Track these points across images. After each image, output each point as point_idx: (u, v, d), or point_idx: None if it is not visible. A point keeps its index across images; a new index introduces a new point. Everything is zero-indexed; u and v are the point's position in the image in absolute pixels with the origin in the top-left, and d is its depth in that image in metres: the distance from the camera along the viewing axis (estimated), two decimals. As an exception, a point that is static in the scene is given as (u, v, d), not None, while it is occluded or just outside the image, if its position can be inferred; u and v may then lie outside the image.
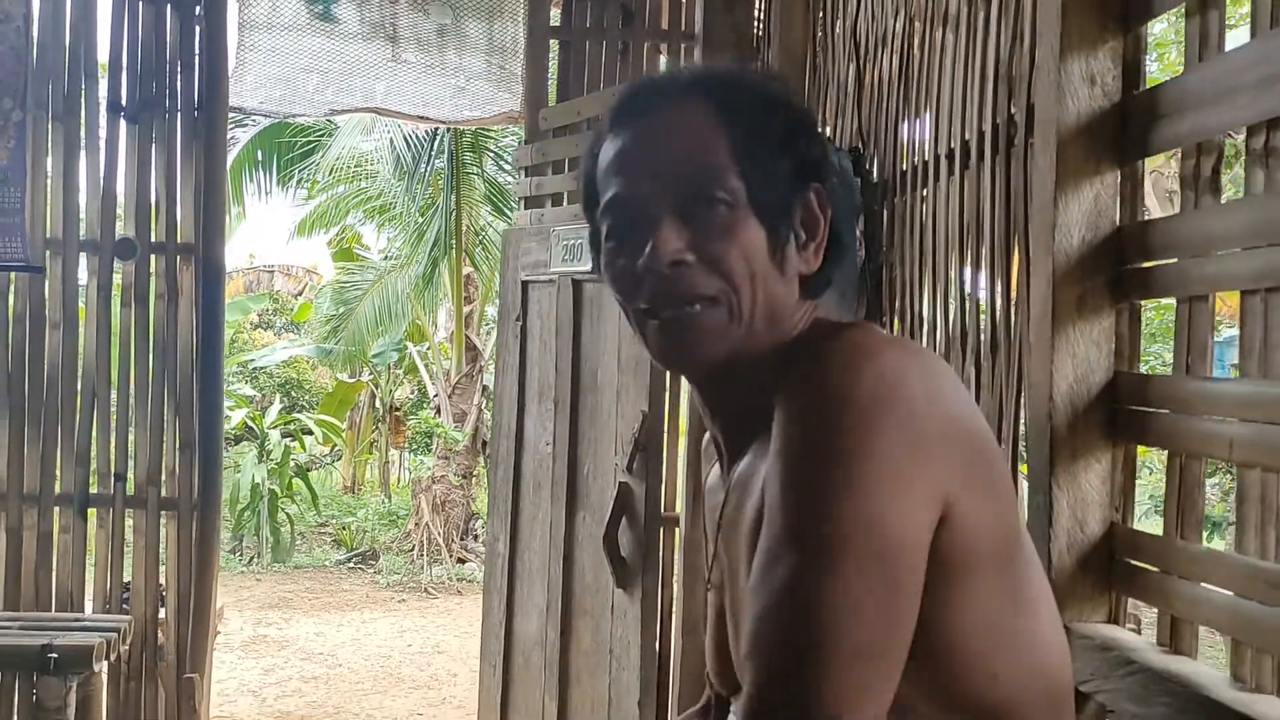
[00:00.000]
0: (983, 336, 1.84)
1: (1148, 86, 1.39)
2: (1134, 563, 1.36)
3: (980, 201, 1.87)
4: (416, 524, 9.61)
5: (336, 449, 12.74)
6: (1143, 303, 1.42)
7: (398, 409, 12.54)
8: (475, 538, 9.85)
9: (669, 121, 0.92)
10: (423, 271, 10.02)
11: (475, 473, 10.25)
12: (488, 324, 11.55)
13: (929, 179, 2.10)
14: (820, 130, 0.98)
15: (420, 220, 9.96)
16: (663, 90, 0.94)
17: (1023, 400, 1.69)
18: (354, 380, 12.13)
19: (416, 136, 9.18)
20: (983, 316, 1.86)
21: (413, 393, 12.72)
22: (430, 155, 9.35)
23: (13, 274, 3.49)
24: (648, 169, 0.91)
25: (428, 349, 11.22)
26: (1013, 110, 1.76)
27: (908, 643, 0.76)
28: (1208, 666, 1.21)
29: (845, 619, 0.72)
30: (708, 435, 1.14)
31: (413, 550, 9.32)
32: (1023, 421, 1.70)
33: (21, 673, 3.28)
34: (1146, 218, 1.41)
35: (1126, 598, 1.39)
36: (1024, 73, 1.73)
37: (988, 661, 0.83)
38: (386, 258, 11.71)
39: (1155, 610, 1.33)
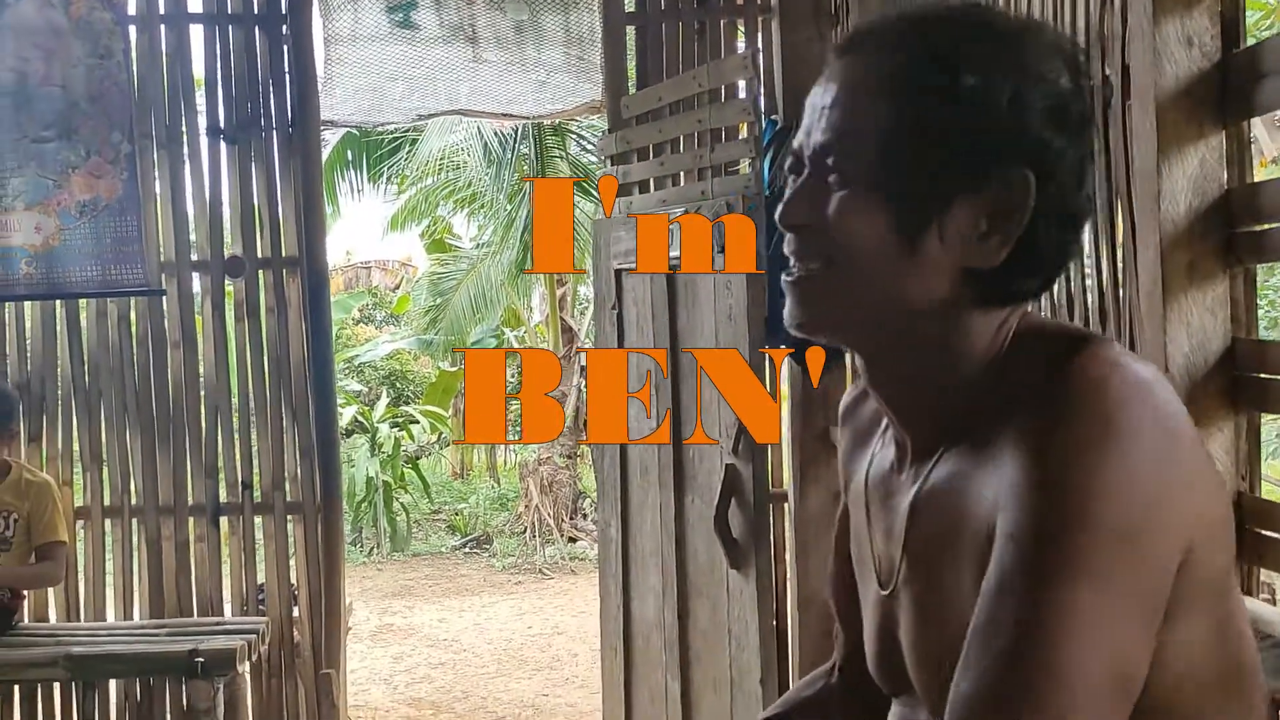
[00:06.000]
0: (1090, 304, 1.81)
1: (1249, 44, 1.35)
2: (1265, 533, 1.33)
3: (1079, 166, 1.83)
4: (526, 506, 9.79)
5: (443, 436, 13.04)
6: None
7: (499, 394, 12.75)
8: (584, 516, 9.99)
9: (842, 75, 0.88)
10: (515, 257, 10.15)
11: (579, 452, 10.39)
12: (581, 304, 11.64)
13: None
14: (1072, 105, 0.88)
15: (509, 207, 10.07)
16: (864, 37, 0.90)
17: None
18: (455, 369, 12.37)
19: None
20: (1088, 283, 1.83)
21: (513, 376, 12.91)
22: (515, 142, 9.45)
23: (133, 298, 3.66)
24: (805, 123, 0.90)
25: (524, 333, 11.37)
26: (1107, 72, 1.72)
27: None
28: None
29: (1097, 650, 0.72)
30: (848, 397, 1.11)
31: (524, 532, 9.50)
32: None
33: (171, 677, 3.47)
34: (1258, 173, 1.38)
35: (1258, 568, 1.36)
36: (1117, 33, 1.68)
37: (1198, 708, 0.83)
38: (478, 246, 11.87)
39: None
